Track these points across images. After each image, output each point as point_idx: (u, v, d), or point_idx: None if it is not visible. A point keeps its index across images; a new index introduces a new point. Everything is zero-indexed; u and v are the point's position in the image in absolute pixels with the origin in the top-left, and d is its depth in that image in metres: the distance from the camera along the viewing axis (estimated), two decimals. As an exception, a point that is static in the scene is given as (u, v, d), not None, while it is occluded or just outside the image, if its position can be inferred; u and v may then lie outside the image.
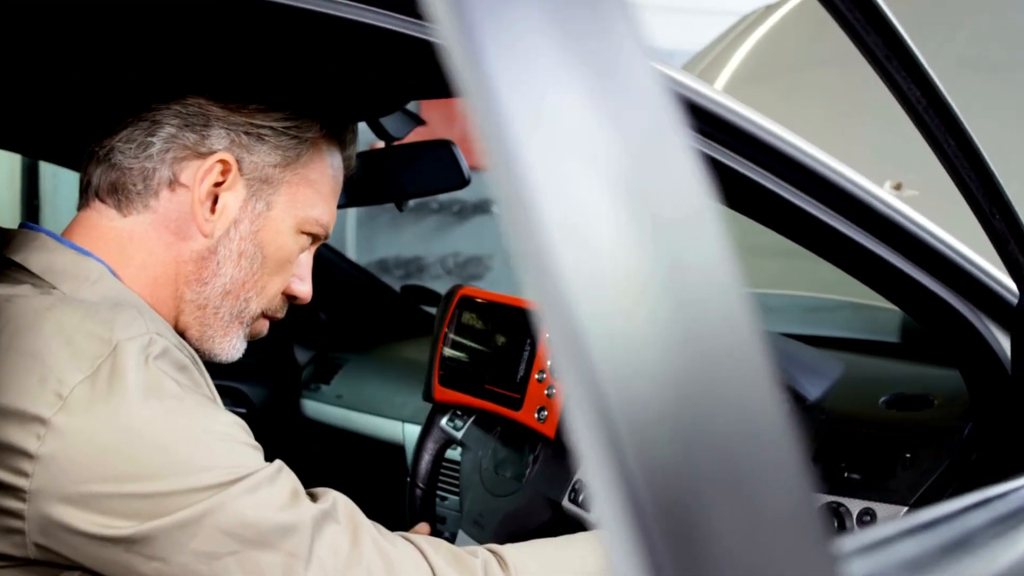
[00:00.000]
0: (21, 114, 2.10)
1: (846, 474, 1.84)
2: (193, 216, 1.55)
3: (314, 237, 1.66)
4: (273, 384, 3.30)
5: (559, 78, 0.56)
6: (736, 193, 1.60)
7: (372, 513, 2.82)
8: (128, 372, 1.32)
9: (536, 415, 1.81)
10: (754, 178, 1.53)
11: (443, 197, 6.46)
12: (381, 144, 2.29)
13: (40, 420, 1.30)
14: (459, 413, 2.08)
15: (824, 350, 2.21)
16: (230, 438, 1.36)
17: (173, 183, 1.54)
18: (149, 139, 1.54)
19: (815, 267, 2.98)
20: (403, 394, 2.95)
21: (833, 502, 1.81)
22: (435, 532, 2.03)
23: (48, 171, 4.30)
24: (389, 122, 2.19)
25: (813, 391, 2.01)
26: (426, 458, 2.08)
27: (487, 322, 1.97)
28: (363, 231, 6.52)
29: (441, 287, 3.55)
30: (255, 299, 1.61)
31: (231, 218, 1.56)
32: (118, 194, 1.54)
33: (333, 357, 3.34)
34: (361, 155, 1.82)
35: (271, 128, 1.57)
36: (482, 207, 6.79)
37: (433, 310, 3.53)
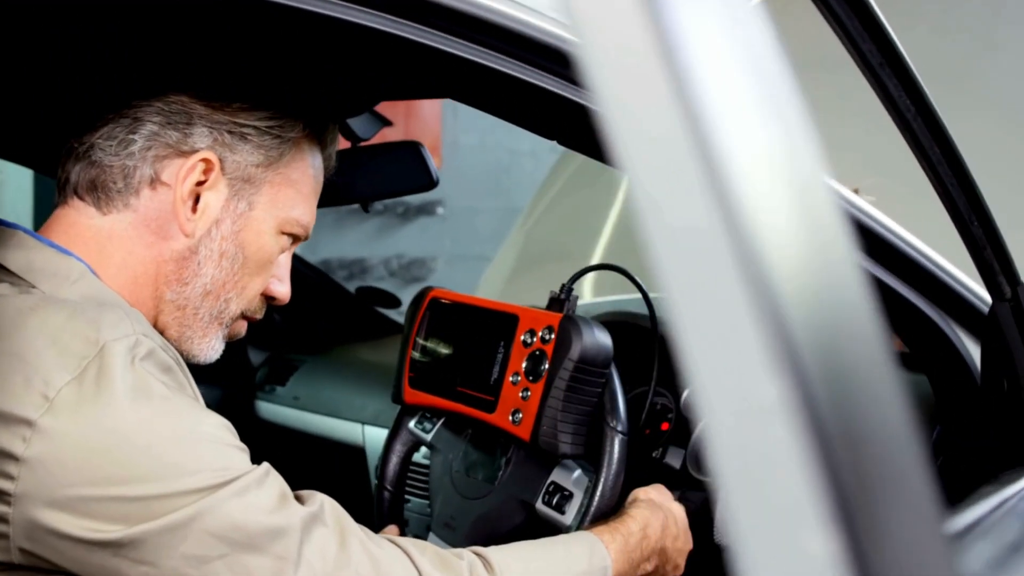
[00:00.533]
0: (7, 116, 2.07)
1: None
2: (175, 215, 1.52)
3: (294, 237, 1.64)
4: (226, 385, 3.27)
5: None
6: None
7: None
8: (115, 373, 1.30)
9: (510, 417, 1.81)
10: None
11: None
12: (346, 145, 2.27)
13: (26, 422, 1.28)
14: (428, 415, 2.08)
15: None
16: (217, 440, 1.35)
17: (154, 181, 1.51)
18: (131, 136, 1.51)
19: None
20: (362, 396, 2.94)
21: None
22: (402, 534, 2.02)
23: (-7, 167, 4.24)
24: (356, 123, 2.18)
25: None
26: (394, 460, 2.07)
27: (458, 324, 1.97)
28: (306, 232, 6.47)
29: (385, 289, 3.54)
30: (235, 300, 1.59)
31: (213, 218, 1.54)
32: (97, 192, 1.51)
33: (288, 358, 3.32)
34: (326, 155, 1.81)
35: (254, 127, 1.55)
36: (426, 209, 6.78)
37: (388, 312, 3.53)
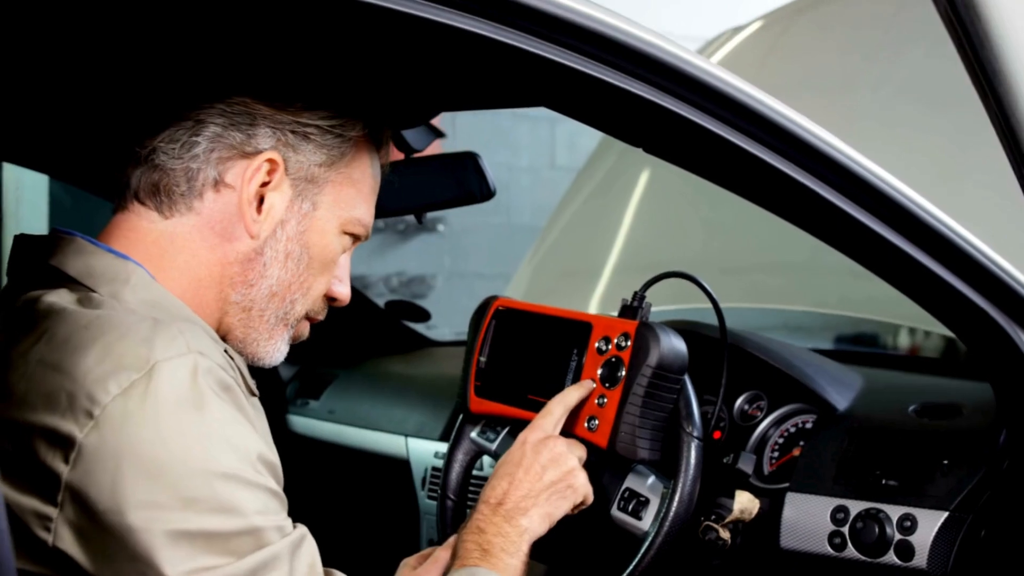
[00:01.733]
0: (53, 125, 2.08)
1: (883, 481, 1.87)
2: (240, 217, 1.52)
3: (354, 237, 1.65)
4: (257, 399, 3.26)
5: None
6: (780, 194, 1.63)
7: (384, 527, 2.82)
8: (164, 391, 1.29)
9: (586, 424, 1.82)
10: (804, 182, 1.56)
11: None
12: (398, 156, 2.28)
13: (70, 440, 1.28)
14: (491, 424, 2.09)
15: (840, 364, 2.25)
16: (259, 486, 1.35)
17: (218, 184, 1.52)
18: (193, 139, 1.51)
19: (828, 283, 3.05)
20: (404, 408, 2.94)
21: (872, 508, 1.85)
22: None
23: (11, 184, 4.24)
24: (410, 134, 2.18)
25: (841, 401, 2.05)
26: (456, 469, 2.07)
27: (527, 332, 1.98)
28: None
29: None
30: (300, 300, 1.59)
31: (277, 218, 1.55)
32: (160, 195, 1.51)
33: (320, 372, 3.32)
34: (380, 167, 1.82)
35: (317, 127, 1.56)
36: (426, 226, 6.79)
37: (415, 327, 3.53)
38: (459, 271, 6.90)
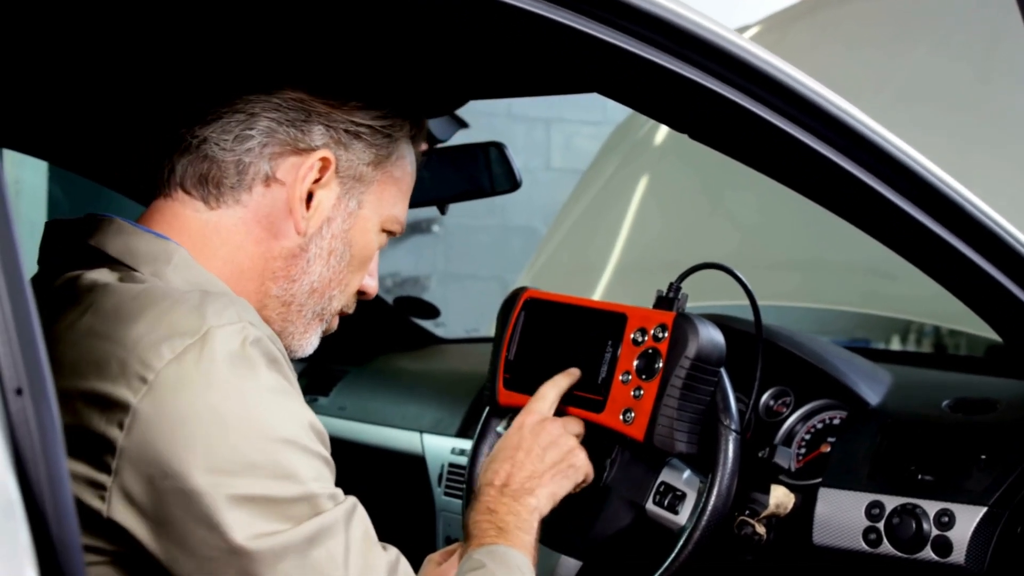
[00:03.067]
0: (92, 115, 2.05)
1: (919, 476, 1.86)
2: (289, 213, 1.51)
3: (390, 233, 1.65)
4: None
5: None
6: (842, 194, 1.61)
7: (399, 524, 2.79)
8: (218, 356, 1.29)
9: (621, 417, 1.79)
10: (848, 168, 1.55)
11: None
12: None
13: (124, 406, 1.27)
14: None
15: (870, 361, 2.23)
16: (314, 452, 1.34)
17: (269, 179, 1.50)
18: (247, 132, 1.49)
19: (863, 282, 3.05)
20: (418, 405, 2.91)
21: (908, 504, 1.83)
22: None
23: (10, 180, 4.19)
24: (435, 125, 2.16)
25: (873, 396, 2.03)
26: (482, 463, 2.05)
27: (558, 324, 1.95)
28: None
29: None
30: (338, 297, 1.59)
31: (324, 216, 1.54)
32: (208, 186, 1.49)
33: (328, 369, 3.29)
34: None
35: (369, 127, 1.55)
36: (419, 227, 6.76)
37: (424, 323, 3.51)
38: (453, 272, 6.88)
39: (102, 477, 1.26)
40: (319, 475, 1.33)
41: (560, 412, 1.87)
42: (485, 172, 2.29)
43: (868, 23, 3.67)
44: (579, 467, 1.78)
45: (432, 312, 3.41)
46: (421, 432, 2.85)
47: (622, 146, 4.09)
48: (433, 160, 2.23)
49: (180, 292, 1.36)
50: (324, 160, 1.51)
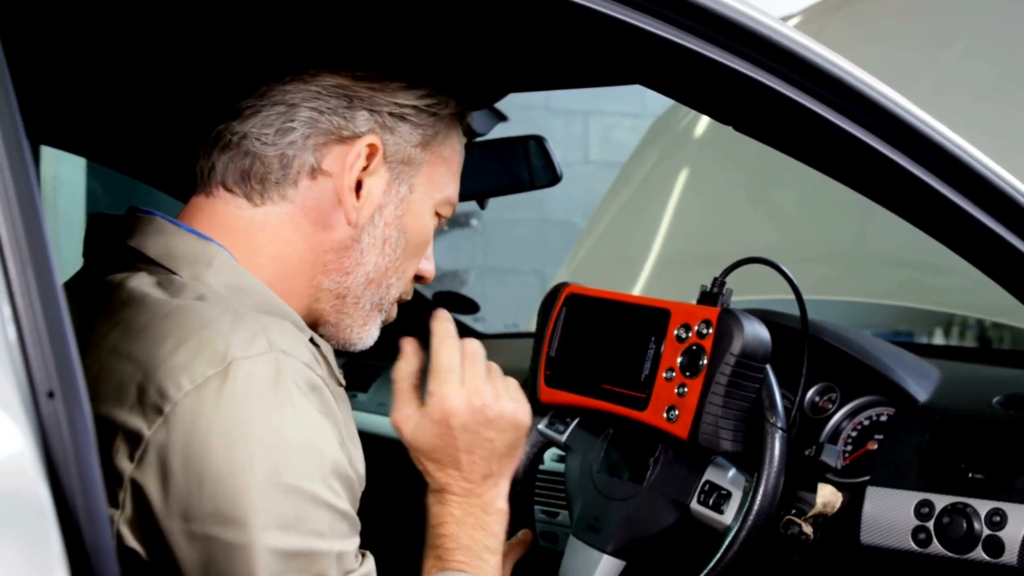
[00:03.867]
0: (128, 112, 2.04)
1: (970, 474, 1.81)
2: (338, 204, 1.46)
3: (444, 216, 1.60)
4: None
5: None
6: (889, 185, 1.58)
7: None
8: (239, 392, 1.23)
9: (665, 414, 1.76)
10: (898, 160, 1.52)
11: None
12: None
13: (138, 436, 1.23)
14: (560, 415, 2.03)
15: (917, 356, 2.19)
16: (331, 505, 1.28)
17: (315, 171, 1.45)
18: (288, 124, 1.44)
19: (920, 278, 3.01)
20: (457, 400, 2.88)
21: (958, 503, 1.79)
22: (533, 537, 1.97)
23: (48, 175, 4.22)
24: (474, 118, 2.14)
25: (922, 392, 1.99)
26: (522, 461, 2.02)
27: (601, 320, 1.92)
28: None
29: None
30: (396, 284, 1.55)
31: (375, 204, 1.49)
32: (251, 182, 1.45)
33: (367, 364, 3.26)
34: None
35: (414, 107, 1.50)
36: (458, 221, 6.74)
37: (464, 318, 3.48)
38: (492, 266, 6.85)
39: (109, 509, 1.21)
40: (329, 530, 1.27)
41: (599, 411, 1.85)
42: (525, 166, 2.26)
43: (906, 15, 3.64)
44: (520, 426, 1.58)
45: (471, 307, 3.38)
46: (460, 429, 2.82)
47: (662, 139, 4.06)
48: (473, 154, 2.20)
49: (212, 313, 1.31)
50: (371, 146, 1.47)
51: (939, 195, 1.54)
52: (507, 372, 2.03)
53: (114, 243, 1.45)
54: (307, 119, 1.45)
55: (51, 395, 0.86)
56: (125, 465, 1.22)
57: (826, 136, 1.48)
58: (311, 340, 1.42)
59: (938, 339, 5.92)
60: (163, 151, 2.25)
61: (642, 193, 4.01)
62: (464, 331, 3.43)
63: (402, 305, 3.31)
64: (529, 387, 2.00)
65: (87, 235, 1.50)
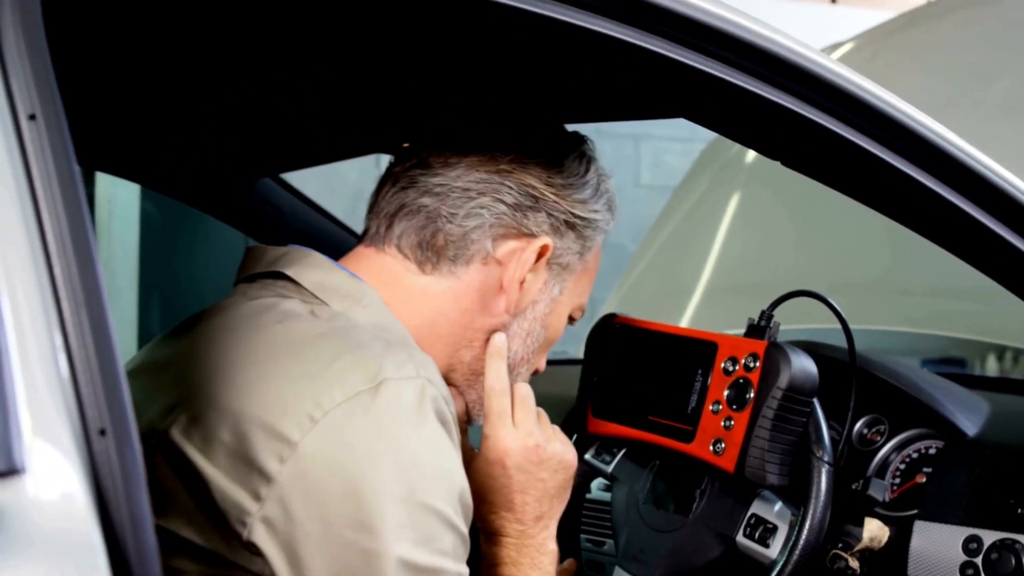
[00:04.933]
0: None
1: (1019, 510, 1.80)
2: (501, 291, 1.55)
3: (573, 319, 1.69)
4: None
5: None
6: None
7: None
8: (388, 407, 1.28)
9: (711, 447, 1.76)
10: (947, 196, 1.51)
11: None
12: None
13: (288, 441, 1.26)
14: (606, 446, 2.04)
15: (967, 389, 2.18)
16: (457, 528, 1.32)
17: (488, 257, 1.54)
18: (479, 210, 1.53)
19: (964, 307, 2.99)
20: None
21: (1007, 539, 1.77)
22: (579, 568, 1.98)
23: (104, 199, 4.26)
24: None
25: (971, 426, 1.98)
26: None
27: (648, 351, 1.92)
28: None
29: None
30: (523, 374, 1.63)
31: (531, 299, 1.58)
32: (426, 252, 1.53)
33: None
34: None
35: (586, 219, 1.59)
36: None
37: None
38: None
39: (250, 504, 1.26)
40: (453, 551, 1.32)
41: (645, 443, 1.85)
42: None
43: (964, 40, 3.62)
44: (569, 466, 1.65)
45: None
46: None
47: (713, 166, 4.05)
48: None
49: (365, 336, 1.37)
50: (544, 247, 1.56)
51: (984, 227, 1.53)
52: (555, 400, 2.05)
53: (270, 271, 1.52)
54: (497, 211, 1.54)
55: (103, 433, 0.88)
56: (274, 466, 1.26)
57: (873, 171, 1.48)
58: None
59: (991, 367, 5.86)
60: (215, 179, 2.28)
61: (692, 220, 4.00)
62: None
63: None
64: (576, 417, 2.00)
65: (243, 265, 1.57)
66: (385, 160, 1.67)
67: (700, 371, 1.82)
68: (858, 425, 2.08)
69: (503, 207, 1.53)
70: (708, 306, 3.69)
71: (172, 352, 1.50)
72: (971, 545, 1.81)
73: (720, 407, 1.77)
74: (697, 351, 1.84)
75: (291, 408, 1.28)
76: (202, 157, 2.20)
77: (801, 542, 1.71)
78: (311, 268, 1.50)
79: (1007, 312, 1.88)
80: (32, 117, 0.91)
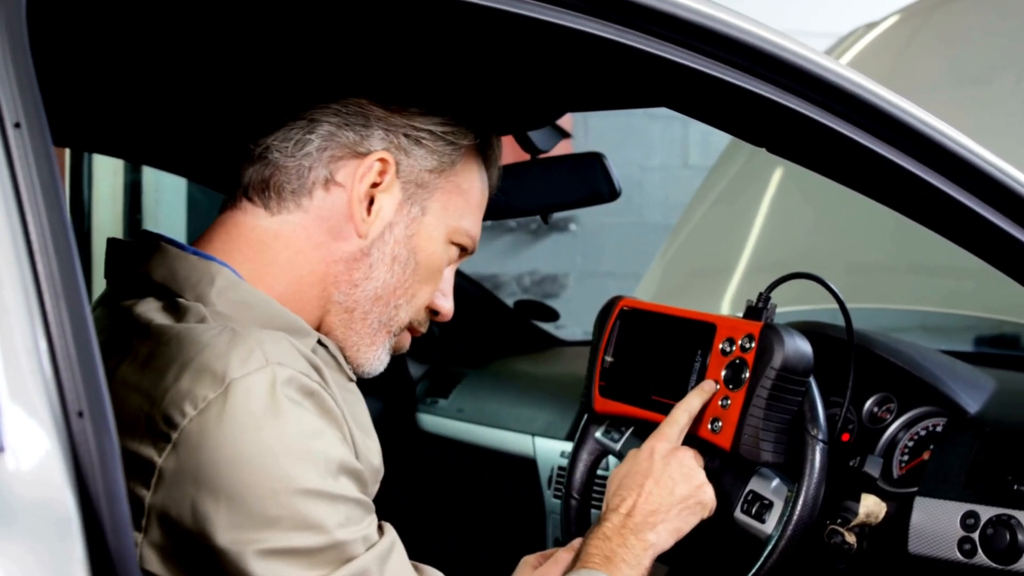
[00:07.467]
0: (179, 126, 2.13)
1: (1015, 487, 1.83)
2: (349, 216, 1.53)
3: (461, 250, 1.65)
4: (386, 398, 3.31)
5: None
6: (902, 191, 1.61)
7: (511, 525, 2.84)
8: (238, 411, 1.31)
9: (709, 426, 1.81)
10: (930, 180, 1.54)
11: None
12: (525, 157, 2.30)
13: (150, 464, 1.31)
14: (615, 424, 2.09)
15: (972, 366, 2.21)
16: (340, 497, 1.36)
17: (328, 182, 1.53)
18: (307, 137, 1.52)
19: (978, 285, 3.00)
20: (531, 408, 2.95)
21: (1003, 515, 1.81)
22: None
23: (151, 185, 4.34)
24: (536, 135, 2.20)
25: (972, 403, 2.01)
26: (580, 469, 2.08)
27: (651, 333, 1.98)
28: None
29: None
30: (404, 307, 1.59)
31: (386, 220, 1.55)
32: (269, 192, 1.53)
33: (449, 371, 3.35)
34: (507, 168, 1.83)
35: (429, 132, 1.57)
36: (558, 225, 6.79)
37: (544, 326, 3.55)
38: (591, 270, 6.88)
39: (133, 534, 1.28)
40: (347, 519, 1.35)
41: (648, 421, 1.90)
42: (587, 182, 2.32)
43: (1009, 10, 3.59)
44: (706, 504, 1.76)
45: (551, 315, 3.46)
46: (533, 435, 2.88)
47: (744, 148, 4.07)
48: (534, 170, 2.27)
49: (210, 335, 1.37)
50: (383, 162, 1.54)
51: (969, 210, 1.56)
52: (580, 379, 2.10)
53: (127, 269, 1.55)
54: (325, 133, 1.53)
55: (80, 414, 0.95)
56: (143, 492, 1.31)
57: (855, 157, 1.52)
58: (319, 341, 1.51)
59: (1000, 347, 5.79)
60: (208, 154, 2.33)
61: (728, 199, 4.02)
62: (545, 338, 3.51)
63: (487, 313, 3.39)
64: (584, 396, 2.06)
65: (106, 261, 1.60)
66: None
67: (699, 352, 1.87)
68: (868, 403, 2.12)
69: (332, 128, 1.52)
70: (748, 285, 3.70)
71: None
72: (969, 521, 1.85)
73: (718, 386, 1.82)
74: (697, 332, 1.89)
75: (147, 431, 1.32)
76: (201, 132, 2.24)
77: (795, 518, 1.76)
78: (159, 260, 1.50)
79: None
80: (17, 125, 0.97)
